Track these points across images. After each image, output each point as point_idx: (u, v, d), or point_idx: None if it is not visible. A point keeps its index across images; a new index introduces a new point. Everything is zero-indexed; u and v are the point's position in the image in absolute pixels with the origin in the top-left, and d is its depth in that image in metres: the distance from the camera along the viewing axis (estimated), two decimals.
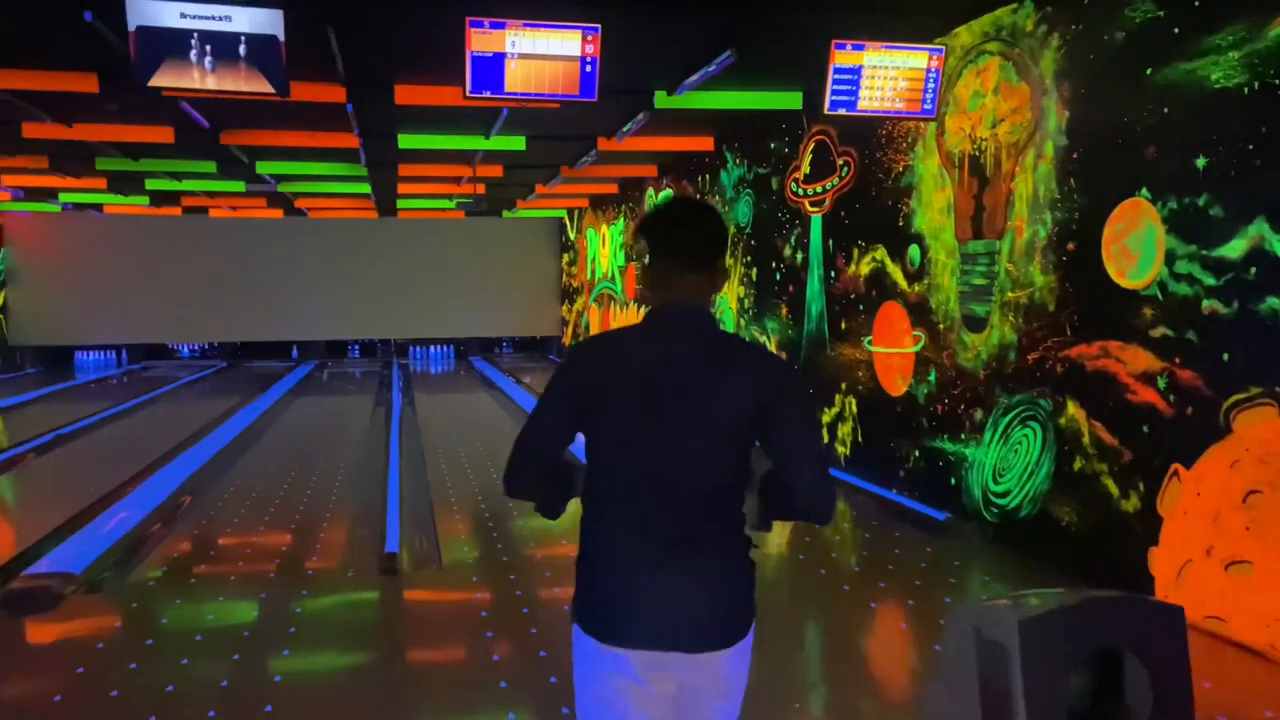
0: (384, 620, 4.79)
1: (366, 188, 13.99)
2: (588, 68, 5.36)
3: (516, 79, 5.31)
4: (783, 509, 2.13)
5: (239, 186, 13.55)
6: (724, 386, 2.02)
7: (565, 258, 20.17)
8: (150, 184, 13.29)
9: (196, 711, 3.58)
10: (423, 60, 6.79)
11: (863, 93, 5.70)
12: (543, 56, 5.28)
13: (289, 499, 7.16)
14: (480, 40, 5.19)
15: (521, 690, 3.86)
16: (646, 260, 2.15)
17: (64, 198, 15.14)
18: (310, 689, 3.86)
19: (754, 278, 9.58)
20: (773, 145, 9.03)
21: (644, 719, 2.07)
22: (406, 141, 9.65)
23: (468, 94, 5.31)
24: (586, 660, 2.13)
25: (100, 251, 18.54)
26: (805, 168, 8.35)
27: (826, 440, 8.01)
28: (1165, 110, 4.47)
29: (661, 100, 7.75)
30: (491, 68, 5.27)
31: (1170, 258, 4.44)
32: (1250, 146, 4.02)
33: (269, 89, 5.15)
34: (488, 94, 5.34)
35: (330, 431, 11.01)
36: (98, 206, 16.96)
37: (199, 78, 4.93)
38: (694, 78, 7.06)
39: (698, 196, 11.22)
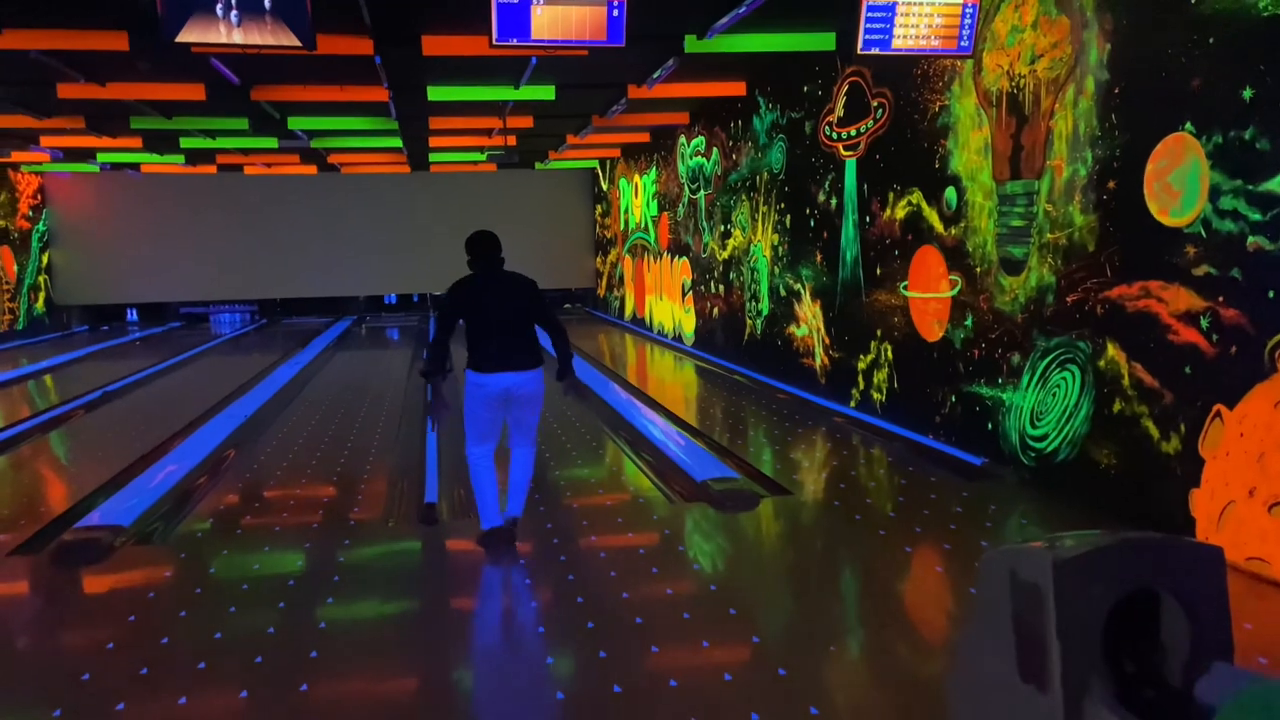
0: (425, 568, 4.88)
1: (398, 142, 14.00)
2: (615, 12, 5.29)
3: (543, 25, 5.25)
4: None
5: (272, 143, 13.61)
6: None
7: (598, 209, 20.09)
8: (185, 142, 13.39)
9: (244, 658, 3.68)
10: (449, 9, 6.73)
11: (897, 31, 5.57)
12: (569, 1, 5.21)
13: (330, 451, 7.28)
14: None
15: (560, 635, 3.93)
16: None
17: (101, 158, 15.31)
18: (355, 636, 3.95)
19: (787, 225, 9.49)
20: (805, 88, 8.88)
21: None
22: (436, 94, 9.62)
23: (494, 42, 5.26)
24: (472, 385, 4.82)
25: (139, 210, 18.78)
26: (839, 111, 8.20)
27: (863, 386, 7.97)
28: (1211, 40, 4.32)
29: (691, 45, 7.65)
30: (517, 14, 5.21)
31: (1214, 194, 4.32)
32: None
33: (295, 42, 5.15)
34: (514, 41, 5.29)
35: (368, 385, 11.14)
36: (135, 166, 17.14)
37: (225, 32, 4.93)
38: (724, 20, 6.95)
39: (729, 144, 11.09)
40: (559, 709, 3.29)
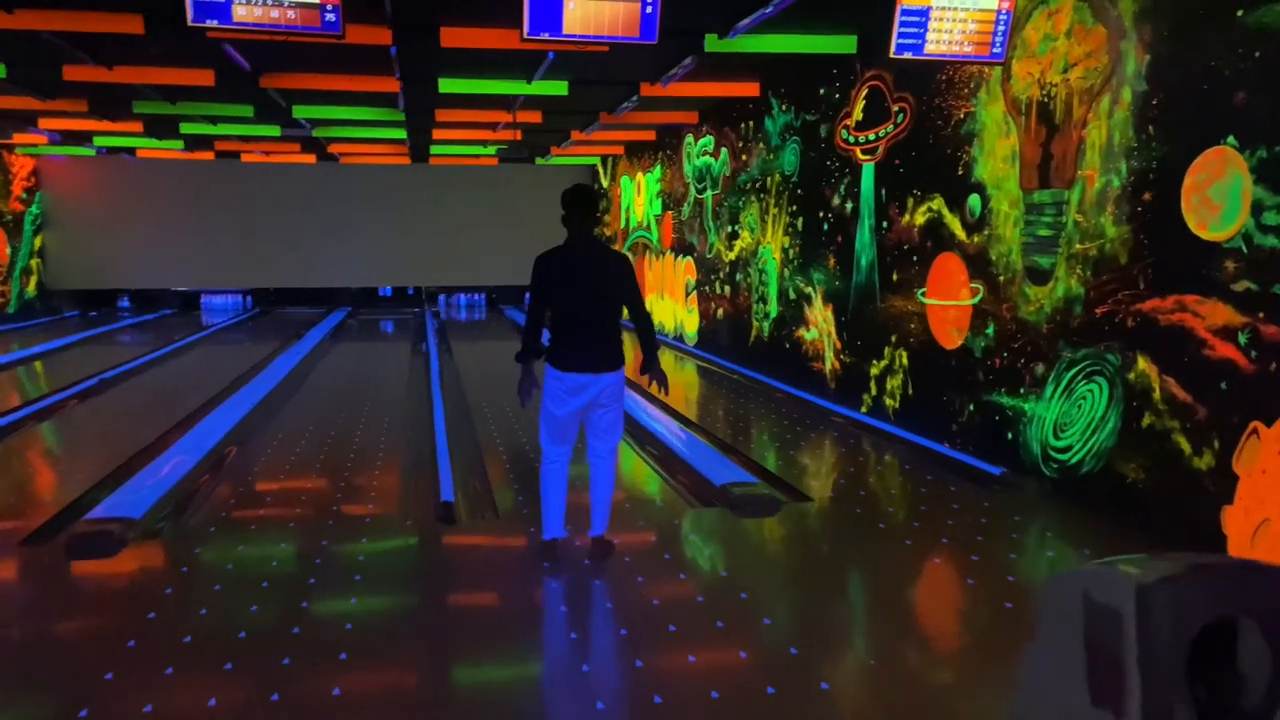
0: (446, 567, 4.80)
1: (402, 133, 13.87)
2: (649, 8, 5.21)
3: (575, 20, 5.17)
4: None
5: (274, 131, 13.47)
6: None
7: (601, 205, 19.99)
8: (185, 128, 13.23)
9: (271, 657, 3.60)
10: (472, 1, 6.64)
11: (930, 35, 5.52)
12: None
13: (338, 447, 7.18)
14: None
15: (589, 638, 3.86)
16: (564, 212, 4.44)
17: (99, 141, 15.11)
18: (379, 635, 3.87)
19: (799, 227, 9.43)
20: (822, 91, 8.82)
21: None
22: (447, 86, 9.51)
23: (525, 36, 5.18)
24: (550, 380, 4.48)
25: (135, 195, 18.57)
26: (857, 114, 8.15)
27: (875, 392, 7.93)
28: (1257, 54, 4.28)
29: (712, 44, 7.57)
30: (550, 8, 5.13)
31: (1257, 208, 4.29)
32: None
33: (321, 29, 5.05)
34: (545, 35, 5.21)
35: (371, 379, 11.02)
36: (131, 150, 16.93)
37: (249, 13, 4.82)
38: (748, 20, 6.89)
39: (739, 144, 11.03)
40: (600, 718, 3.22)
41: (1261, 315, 4.28)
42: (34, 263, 17.94)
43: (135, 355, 12.40)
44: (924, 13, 5.49)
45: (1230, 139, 4.43)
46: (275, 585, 4.40)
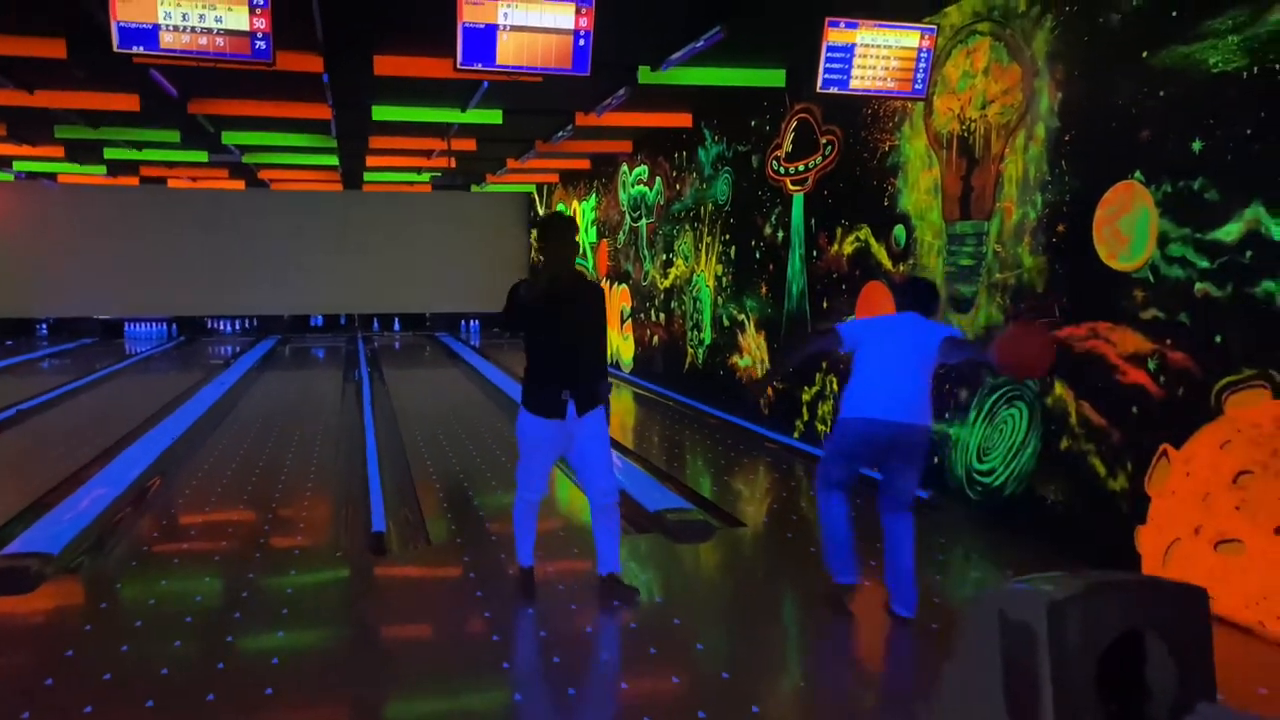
0: (377, 599, 4.74)
1: (334, 159, 13.77)
2: (581, 41, 5.28)
3: (509, 51, 5.21)
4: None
5: (202, 157, 13.27)
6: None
7: (533, 233, 20.01)
8: (109, 153, 12.95)
9: (195, 694, 3.51)
10: (406, 30, 6.66)
11: (855, 71, 5.69)
12: (535, 29, 5.19)
13: (266, 477, 7.05)
14: (472, 11, 5.08)
15: (524, 669, 3.84)
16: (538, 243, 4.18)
17: (18, 165, 14.71)
18: (308, 670, 3.81)
19: (732, 255, 9.57)
20: (753, 123, 9.00)
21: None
22: (381, 114, 9.49)
23: (459, 66, 5.20)
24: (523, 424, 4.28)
25: (55, 221, 18.09)
26: (787, 146, 8.33)
27: (807, 418, 8.05)
28: (1161, 93, 4.51)
29: (645, 76, 7.69)
30: (483, 39, 5.17)
31: (1163, 240, 4.49)
32: (1248, 131, 4.06)
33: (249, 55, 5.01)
34: (479, 66, 5.24)
35: (302, 408, 10.84)
36: (52, 176, 16.51)
37: (174, 41, 4.78)
38: (680, 53, 7.01)
39: (673, 174, 11.17)
40: None
41: (1169, 342, 4.48)
42: None
43: (54, 385, 12.02)
44: (849, 49, 5.66)
45: (1138, 173, 4.64)
46: (199, 620, 4.30)
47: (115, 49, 4.76)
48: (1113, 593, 2.71)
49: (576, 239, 3.88)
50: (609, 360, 4.30)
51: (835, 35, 5.59)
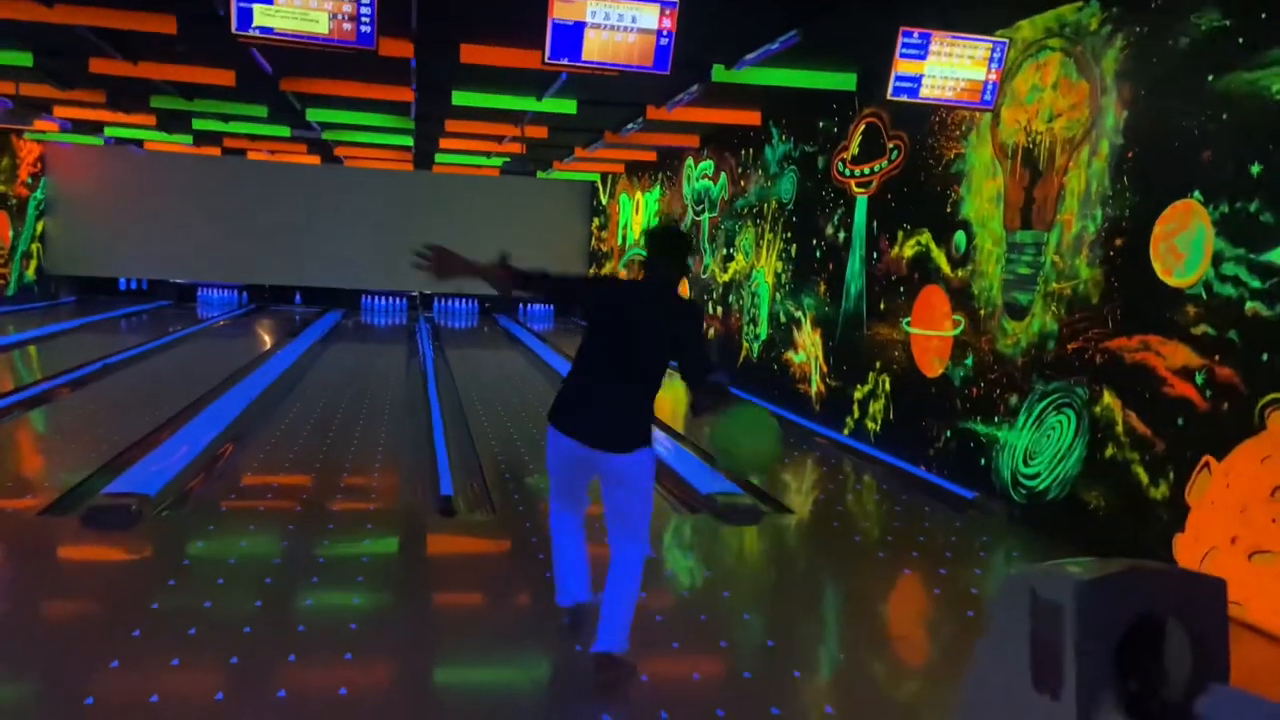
0: (447, 561, 5.06)
1: (409, 140, 14.17)
2: (663, 40, 5.53)
3: (594, 48, 5.48)
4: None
5: (284, 131, 13.75)
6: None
7: (595, 221, 20.33)
8: (197, 124, 13.49)
9: (277, 654, 3.70)
10: (495, 21, 6.96)
11: (925, 80, 5.86)
12: (621, 28, 5.46)
13: (339, 442, 7.43)
14: (563, 9, 5.35)
15: (584, 629, 4.13)
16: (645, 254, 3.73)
17: (109, 131, 15.35)
18: (386, 634, 3.98)
19: (793, 254, 9.77)
20: (821, 124, 9.18)
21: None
22: (461, 99, 9.82)
23: (546, 60, 5.48)
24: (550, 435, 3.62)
25: (139, 186, 18.82)
26: (854, 149, 8.51)
27: (857, 415, 8.25)
28: (1224, 117, 4.65)
29: (719, 74, 7.91)
30: (571, 35, 5.44)
31: (1217, 259, 4.64)
32: None
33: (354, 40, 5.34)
34: (565, 61, 5.51)
35: (369, 377, 11.26)
36: (139, 143, 17.17)
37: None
38: (755, 54, 7.22)
39: (738, 170, 11.38)
40: (592, 693, 3.49)
41: (1217, 358, 4.62)
42: (35, 247, 18.12)
43: (136, 344, 12.61)
44: (921, 58, 5.83)
45: (1196, 193, 4.78)
46: (279, 581, 4.44)
47: (234, 30, 5.11)
48: (1138, 579, 2.93)
49: (680, 260, 3.60)
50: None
51: (903, 65, 5.75)
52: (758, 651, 3.95)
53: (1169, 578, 3.01)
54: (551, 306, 21.32)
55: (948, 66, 5.81)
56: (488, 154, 15.64)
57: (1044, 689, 2.98)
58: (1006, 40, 5.86)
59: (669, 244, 3.63)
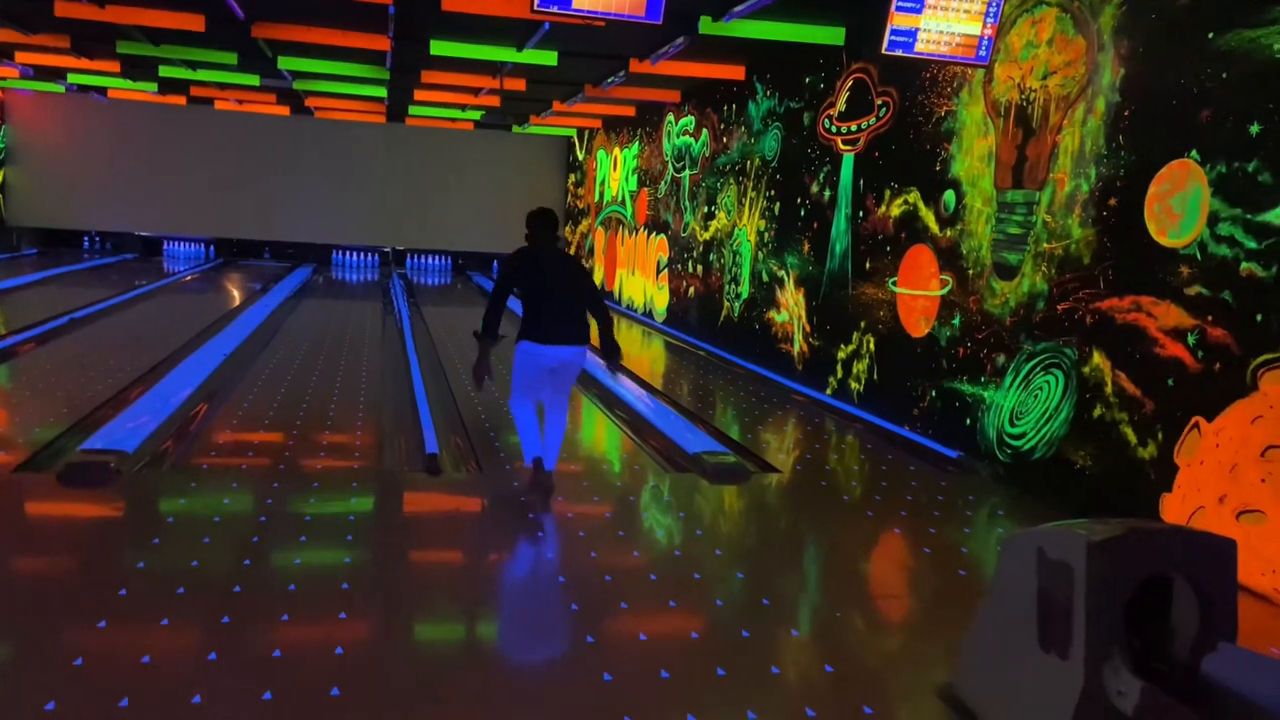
0: (435, 517, 5.00)
1: (382, 91, 13.87)
2: None
3: None
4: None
5: (253, 80, 13.40)
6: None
7: (571, 178, 20.10)
8: (164, 70, 13.10)
9: (278, 584, 3.77)
10: None
11: (920, 34, 5.77)
12: None
13: (318, 399, 7.32)
14: None
15: (576, 586, 4.10)
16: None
17: (72, 78, 14.88)
18: (380, 592, 3.93)
19: (776, 212, 9.70)
20: (808, 79, 9.07)
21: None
22: (439, 48, 9.59)
23: (535, 8, 5.34)
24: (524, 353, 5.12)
25: (102, 136, 18.34)
26: (841, 105, 8.41)
27: (841, 375, 8.25)
28: (1224, 75, 4.61)
29: (706, 26, 7.77)
30: None
31: (1213, 219, 4.62)
32: None
33: None
34: (554, 9, 5.37)
35: (344, 334, 11.10)
36: (102, 90, 16.69)
37: None
38: (744, 6, 7.10)
39: (720, 126, 11.25)
40: (588, 651, 3.47)
41: (1210, 318, 4.63)
42: None
43: (103, 297, 12.33)
44: (917, 11, 5.74)
45: (1194, 153, 4.75)
46: (266, 540, 4.38)
47: None
48: (1147, 539, 2.93)
49: (555, 229, 5.23)
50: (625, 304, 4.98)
51: (899, 18, 5.64)
52: (754, 610, 3.94)
53: (1178, 538, 3.01)
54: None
55: (944, 20, 5.72)
56: (463, 107, 15.36)
57: (1051, 648, 2.98)
58: None
59: (550, 221, 5.22)
